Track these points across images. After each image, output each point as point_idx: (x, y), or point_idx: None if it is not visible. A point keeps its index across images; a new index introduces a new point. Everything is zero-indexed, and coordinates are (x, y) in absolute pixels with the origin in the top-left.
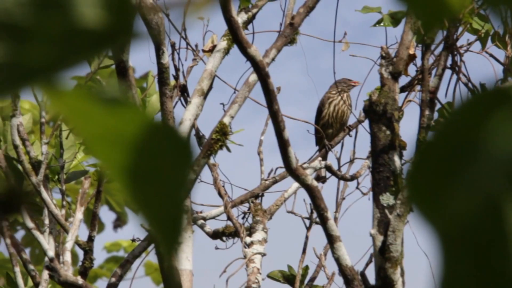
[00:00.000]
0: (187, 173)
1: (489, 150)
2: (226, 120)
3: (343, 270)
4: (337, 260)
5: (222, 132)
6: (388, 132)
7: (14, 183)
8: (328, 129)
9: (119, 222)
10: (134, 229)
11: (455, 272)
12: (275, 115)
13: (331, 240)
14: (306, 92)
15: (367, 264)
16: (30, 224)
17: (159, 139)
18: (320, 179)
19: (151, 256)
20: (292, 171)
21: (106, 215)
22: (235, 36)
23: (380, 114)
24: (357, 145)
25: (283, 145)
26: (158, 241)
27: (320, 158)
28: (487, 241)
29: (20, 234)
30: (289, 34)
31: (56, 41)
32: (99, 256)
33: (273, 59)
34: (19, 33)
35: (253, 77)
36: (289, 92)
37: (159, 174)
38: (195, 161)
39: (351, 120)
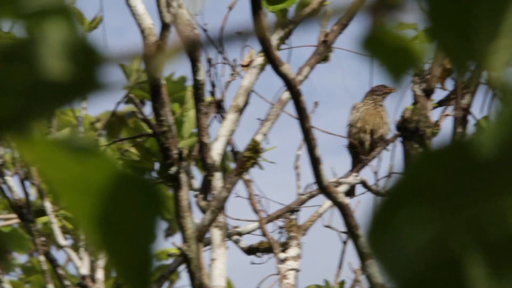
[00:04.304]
0: (155, 222)
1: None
2: (259, 137)
3: None
4: (369, 277)
5: (254, 150)
6: (420, 150)
7: None
8: (360, 142)
9: (170, 231)
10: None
11: None
12: (306, 133)
13: (363, 257)
14: (356, 93)
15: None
16: (62, 241)
17: (126, 188)
18: (350, 194)
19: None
20: (323, 188)
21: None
22: (267, 54)
23: (412, 132)
24: (395, 159)
25: (315, 162)
26: None
27: (355, 173)
28: None
29: None
30: (322, 52)
31: (22, 93)
32: None
33: (306, 77)
34: None
35: (287, 94)
36: (340, 94)
37: (127, 223)
38: (228, 179)
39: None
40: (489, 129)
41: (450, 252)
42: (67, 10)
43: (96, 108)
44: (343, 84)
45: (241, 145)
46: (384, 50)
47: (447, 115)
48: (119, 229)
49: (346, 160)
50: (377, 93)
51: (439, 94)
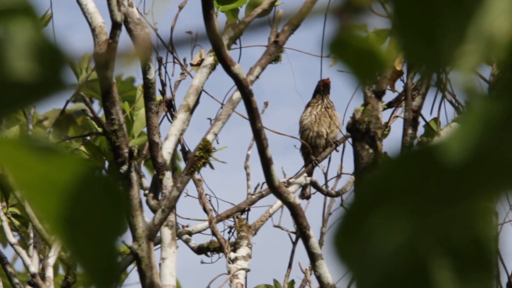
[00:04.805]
0: (120, 221)
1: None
2: (210, 137)
3: None
4: (319, 278)
5: (205, 150)
6: (371, 151)
7: None
8: (315, 145)
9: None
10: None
11: None
12: (258, 133)
13: (313, 257)
14: (305, 93)
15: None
16: (12, 239)
17: (91, 187)
18: (305, 195)
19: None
20: (274, 188)
21: None
22: (218, 54)
23: (363, 133)
24: (344, 160)
25: (266, 163)
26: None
27: (305, 174)
28: None
29: None
30: (273, 52)
31: None
32: None
33: (257, 77)
34: None
35: (237, 94)
36: (287, 93)
37: (92, 222)
38: (179, 179)
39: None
40: (456, 134)
41: (417, 256)
42: (32, 10)
43: (44, 105)
44: (292, 84)
45: (191, 144)
46: (350, 53)
47: (397, 116)
48: (84, 228)
49: (295, 160)
50: (322, 91)
51: (389, 96)
